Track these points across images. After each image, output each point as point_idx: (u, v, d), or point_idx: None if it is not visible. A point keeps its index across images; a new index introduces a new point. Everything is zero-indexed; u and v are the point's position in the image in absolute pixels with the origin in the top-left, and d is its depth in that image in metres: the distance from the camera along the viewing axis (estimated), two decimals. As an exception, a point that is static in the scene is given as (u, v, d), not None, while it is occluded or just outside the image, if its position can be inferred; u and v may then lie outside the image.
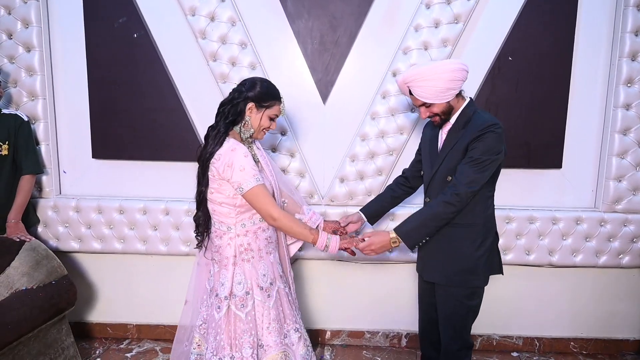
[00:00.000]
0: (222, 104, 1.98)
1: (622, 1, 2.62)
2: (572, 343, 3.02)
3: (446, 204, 1.88)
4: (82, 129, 2.90)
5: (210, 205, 1.98)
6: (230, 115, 1.94)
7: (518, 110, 2.73)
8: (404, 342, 3.08)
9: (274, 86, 2.01)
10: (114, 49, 2.80)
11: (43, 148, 2.85)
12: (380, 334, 3.08)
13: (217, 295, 1.96)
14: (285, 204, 2.21)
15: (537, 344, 3.03)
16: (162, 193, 2.94)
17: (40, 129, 2.84)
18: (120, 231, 2.92)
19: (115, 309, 3.13)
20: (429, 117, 2.02)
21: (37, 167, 2.71)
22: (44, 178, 2.90)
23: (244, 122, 1.96)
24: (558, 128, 2.77)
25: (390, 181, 2.59)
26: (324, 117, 2.82)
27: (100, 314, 3.15)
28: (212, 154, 1.89)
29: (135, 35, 2.78)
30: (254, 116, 1.96)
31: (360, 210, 2.36)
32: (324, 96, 2.81)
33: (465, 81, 1.95)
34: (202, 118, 2.85)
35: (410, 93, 1.98)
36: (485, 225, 2.02)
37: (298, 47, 2.77)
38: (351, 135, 2.81)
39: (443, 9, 2.64)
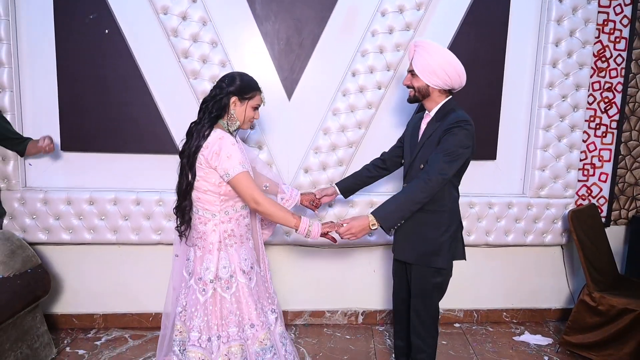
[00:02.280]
0: (204, 101, 2.05)
1: (545, 16, 3.06)
2: (504, 313, 3.46)
3: (419, 188, 2.05)
4: (51, 121, 2.94)
5: (194, 194, 2.04)
6: (214, 110, 2.01)
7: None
8: (360, 319, 3.37)
9: (252, 78, 2.10)
10: (85, 44, 2.87)
11: (9, 142, 2.87)
12: (339, 312, 3.36)
13: (200, 278, 2.03)
14: (267, 188, 2.37)
15: (476, 315, 3.44)
16: (133, 184, 3.05)
17: (6, 121, 2.85)
18: (90, 222, 2.98)
19: (81, 300, 3.18)
20: (407, 86, 2.22)
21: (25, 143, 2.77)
22: (10, 169, 2.91)
23: (229, 115, 2.04)
24: (492, 125, 3.17)
25: (349, 171, 2.88)
26: (289, 113, 3.05)
27: (65, 305, 3.18)
28: (199, 147, 1.97)
29: (106, 31, 2.87)
30: (238, 109, 2.05)
31: (335, 184, 2.55)
32: (289, 93, 3.04)
33: (451, 84, 2.15)
34: (173, 112, 2.99)
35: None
36: (451, 213, 2.21)
37: (265, 47, 2.98)
38: (314, 129, 3.06)
39: (396, 17, 2.96)
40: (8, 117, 2.84)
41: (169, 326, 2.25)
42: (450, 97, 2.24)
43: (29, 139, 2.76)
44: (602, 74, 3.21)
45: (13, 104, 2.86)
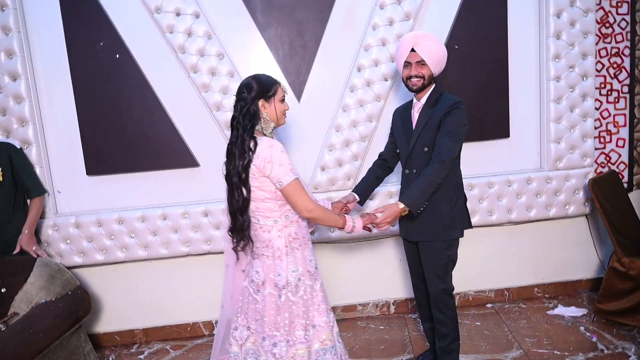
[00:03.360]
0: (234, 118, 2.01)
1: (543, -11, 3.07)
2: (535, 289, 3.46)
3: (437, 170, 2.21)
4: (74, 148, 3.06)
5: (252, 205, 2.02)
6: (248, 121, 1.97)
7: (467, 91, 3.11)
8: (392, 309, 3.41)
9: (266, 75, 2.07)
10: (98, 71, 2.98)
11: (38, 170, 2.98)
12: (370, 304, 3.41)
13: (276, 285, 2.03)
14: None
15: (507, 294, 3.45)
16: (158, 200, 3.14)
17: (32, 153, 2.98)
18: (121, 240, 3.09)
19: (121, 317, 3.29)
20: (416, 76, 2.31)
21: (42, 189, 2.89)
22: (41, 199, 3.04)
23: (262, 120, 2.01)
24: (503, 103, 3.18)
25: (365, 164, 2.94)
26: (300, 114, 3.11)
27: (107, 323, 3.30)
28: (250, 161, 1.93)
29: (117, 56, 2.98)
30: (269, 109, 2.02)
31: (352, 191, 2.65)
32: (298, 95, 3.11)
33: (441, 70, 2.39)
34: (188, 126, 3.09)
35: (412, 50, 2.29)
36: (457, 187, 2.41)
37: (270, 53, 3.05)
38: (326, 127, 3.12)
39: (395, 8, 3.00)
40: (33, 149, 2.97)
41: (225, 342, 2.24)
42: (435, 84, 2.41)
43: (45, 190, 2.90)
44: (608, 39, 3.20)
45: (37, 136, 2.99)
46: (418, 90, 2.37)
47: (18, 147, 2.83)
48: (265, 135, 2.04)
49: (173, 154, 3.09)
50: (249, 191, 1.98)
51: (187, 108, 3.07)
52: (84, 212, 3.11)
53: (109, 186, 3.13)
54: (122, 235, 3.09)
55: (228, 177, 2.02)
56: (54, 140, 3.08)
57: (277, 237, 2.03)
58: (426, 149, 2.33)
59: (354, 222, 2.15)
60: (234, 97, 2.07)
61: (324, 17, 3.05)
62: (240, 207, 2.01)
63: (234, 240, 2.10)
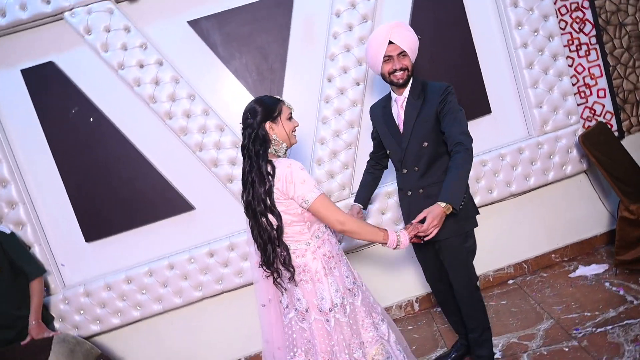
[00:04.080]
0: (244, 146, 1.94)
1: (490, -37, 3.10)
2: (553, 255, 3.42)
3: (465, 159, 2.09)
4: (68, 219, 3.06)
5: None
6: (259, 147, 1.90)
7: (440, 78, 3.09)
8: (416, 306, 3.38)
9: (267, 96, 2.02)
10: (75, 138, 3.00)
11: (37, 249, 2.98)
12: (394, 307, 3.37)
13: (321, 309, 1.93)
14: None
15: (526, 267, 3.41)
16: (162, 251, 3.13)
17: (28, 232, 2.98)
18: (134, 299, 3.07)
19: (150, 375, 3.26)
20: (401, 69, 2.21)
21: (40, 269, 2.87)
22: (46, 276, 3.02)
23: (273, 142, 1.94)
24: (477, 81, 3.19)
25: (357, 171, 2.93)
26: (282, 136, 3.11)
27: (137, 384, 3.26)
28: (272, 186, 1.86)
29: (91, 119, 2.99)
30: (277, 130, 1.95)
31: (355, 201, 2.59)
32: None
33: None
34: (175, 172, 3.09)
35: (390, 43, 2.19)
36: None
37: (240, 83, 3.07)
38: (310, 143, 3.12)
39: (351, 13, 3.02)
40: (28, 229, 2.97)
41: None
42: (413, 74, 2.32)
43: (44, 270, 2.89)
44: (565, -4, 3.22)
45: (29, 215, 2.98)
46: (404, 84, 2.27)
47: (8, 232, 2.81)
48: (279, 157, 1.97)
49: (167, 202, 3.09)
50: (279, 217, 1.89)
51: (170, 155, 3.07)
52: (92, 279, 3.09)
53: (110, 248, 3.12)
54: (133, 294, 3.07)
55: (249, 207, 1.92)
56: (47, 215, 3.08)
57: (312, 260, 1.94)
58: (426, 144, 2.23)
59: (399, 235, 1.99)
60: (234, 127, 2.01)
61: (284, 36, 3.07)
62: (273, 236, 1.91)
63: (274, 275, 1.97)
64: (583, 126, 3.30)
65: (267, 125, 1.93)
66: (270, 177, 1.86)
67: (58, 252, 3.10)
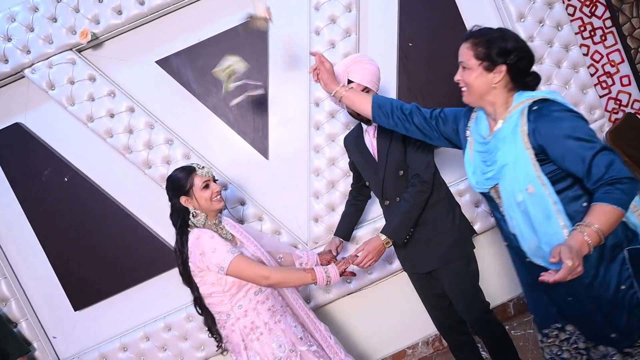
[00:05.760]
0: (170, 217, 2.07)
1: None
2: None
3: (418, 193, 2.03)
4: (54, 289, 2.84)
5: (205, 301, 1.99)
6: (178, 219, 2.01)
7: (440, 84, 2.81)
8: (443, 341, 3.02)
9: (180, 168, 2.06)
10: (51, 201, 2.79)
11: (24, 325, 2.76)
12: (419, 344, 3.03)
13: None
14: (281, 259, 2.27)
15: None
16: (157, 311, 2.87)
17: (13, 308, 2.76)
18: (133, 367, 2.82)
19: None
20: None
21: (23, 349, 2.64)
22: (38, 353, 2.79)
23: (192, 214, 2.00)
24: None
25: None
26: (273, 170, 2.85)
27: None
28: (186, 259, 1.94)
29: (65, 179, 2.78)
30: (193, 202, 2.00)
31: (335, 234, 2.46)
32: (264, 152, 2.85)
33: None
34: (163, 224, 2.80)
35: (350, 82, 2.07)
36: (448, 196, 2.22)
37: (220, 120, 2.82)
38: (305, 175, 2.84)
39: (332, 29, 2.75)
40: (12, 304, 2.75)
41: None
42: None
43: (26, 350, 2.66)
44: (569, -22, 2.88)
45: (12, 290, 2.77)
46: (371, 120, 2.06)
47: None
48: (203, 225, 2.00)
49: (156, 258, 2.83)
50: (196, 289, 1.96)
51: (155, 205, 2.80)
52: (86, 350, 2.85)
53: (102, 314, 2.87)
54: (131, 362, 2.82)
55: (180, 274, 2.00)
56: (32, 288, 2.86)
57: (231, 332, 1.95)
58: (401, 172, 2.10)
59: (327, 272, 1.95)
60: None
61: (262, 63, 2.80)
62: (198, 305, 2.01)
63: (212, 332, 2.07)
64: (609, 120, 2.93)
65: (183, 199, 1.99)
66: (185, 249, 1.93)
67: (48, 324, 2.88)
